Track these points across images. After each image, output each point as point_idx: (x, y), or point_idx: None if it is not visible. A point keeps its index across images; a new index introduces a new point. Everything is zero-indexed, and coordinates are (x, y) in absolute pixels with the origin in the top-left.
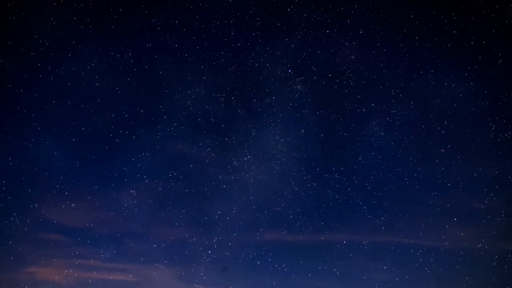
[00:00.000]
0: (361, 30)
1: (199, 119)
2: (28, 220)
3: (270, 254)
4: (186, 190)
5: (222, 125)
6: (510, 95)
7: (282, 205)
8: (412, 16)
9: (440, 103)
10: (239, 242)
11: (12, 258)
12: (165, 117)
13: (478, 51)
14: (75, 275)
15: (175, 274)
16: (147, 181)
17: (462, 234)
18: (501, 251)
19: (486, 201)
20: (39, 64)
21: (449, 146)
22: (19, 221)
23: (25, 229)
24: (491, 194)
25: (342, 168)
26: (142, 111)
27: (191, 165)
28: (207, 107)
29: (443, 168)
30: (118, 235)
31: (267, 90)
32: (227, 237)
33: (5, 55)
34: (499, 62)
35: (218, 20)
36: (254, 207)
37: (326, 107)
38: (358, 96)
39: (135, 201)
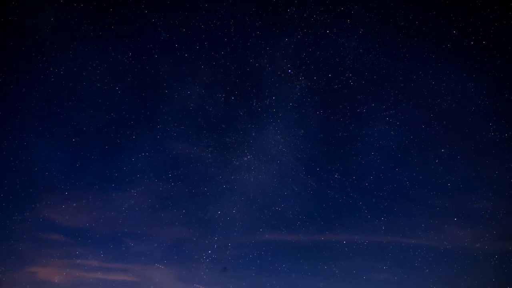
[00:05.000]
0: (361, 30)
1: (199, 119)
2: (28, 220)
3: (270, 254)
4: (186, 190)
5: (222, 125)
6: (510, 95)
7: (282, 205)
8: (412, 16)
9: (440, 103)
10: (239, 242)
11: (12, 258)
12: (165, 117)
13: (478, 51)
14: (75, 275)
15: (175, 274)
16: (147, 181)
17: (462, 234)
18: (501, 251)
19: (486, 201)
20: (39, 64)
21: (449, 146)
22: (19, 221)
23: (25, 229)
24: (491, 194)
25: (342, 168)
26: (142, 111)
27: (191, 165)
28: (207, 107)
29: (443, 168)
30: (118, 235)
31: (267, 90)
32: (227, 237)
33: (5, 55)
34: (499, 62)
35: (218, 20)
36: (254, 207)
37: (326, 107)
38: (358, 96)
39: (135, 201)
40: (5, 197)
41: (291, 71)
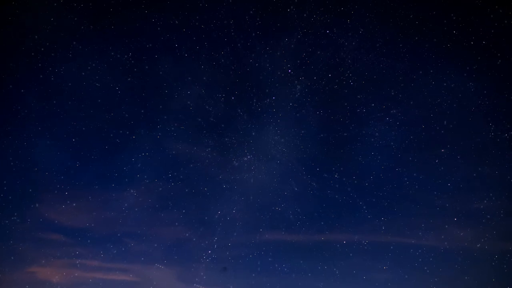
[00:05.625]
0: (361, 30)
1: (199, 119)
2: (28, 220)
3: (270, 254)
4: (186, 190)
5: (222, 125)
6: (510, 95)
7: (282, 205)
8: (412, 16)
9: (440, 103)
10: (239, 242)
11: (12, 258)
12: (165, 117)
13: (478, 51)
14: (75, 275)
15: (175, 274)
16: (147, 181)
17: (462, 234)
18: (501, 251)
19: (486, 201)
20: (39, 64)
21: (449, 146)
22: (19, 221)
23: (25, 229)
24: (491, 194)
25: (342, 168)
26: (142, 111)
27: (191, 165)
28: (207, 107)
29: (443, 168)
30: (118, 235)
31: (267, 90)
32: (227, 237)
33: (5, 55)
34: (499, 62)
35: (218, 20)
36: (254, 207)
37: (326, 107)
38: (358, 96)
39: (135, 201)
40: (5, 197)
41: (291, 71)
